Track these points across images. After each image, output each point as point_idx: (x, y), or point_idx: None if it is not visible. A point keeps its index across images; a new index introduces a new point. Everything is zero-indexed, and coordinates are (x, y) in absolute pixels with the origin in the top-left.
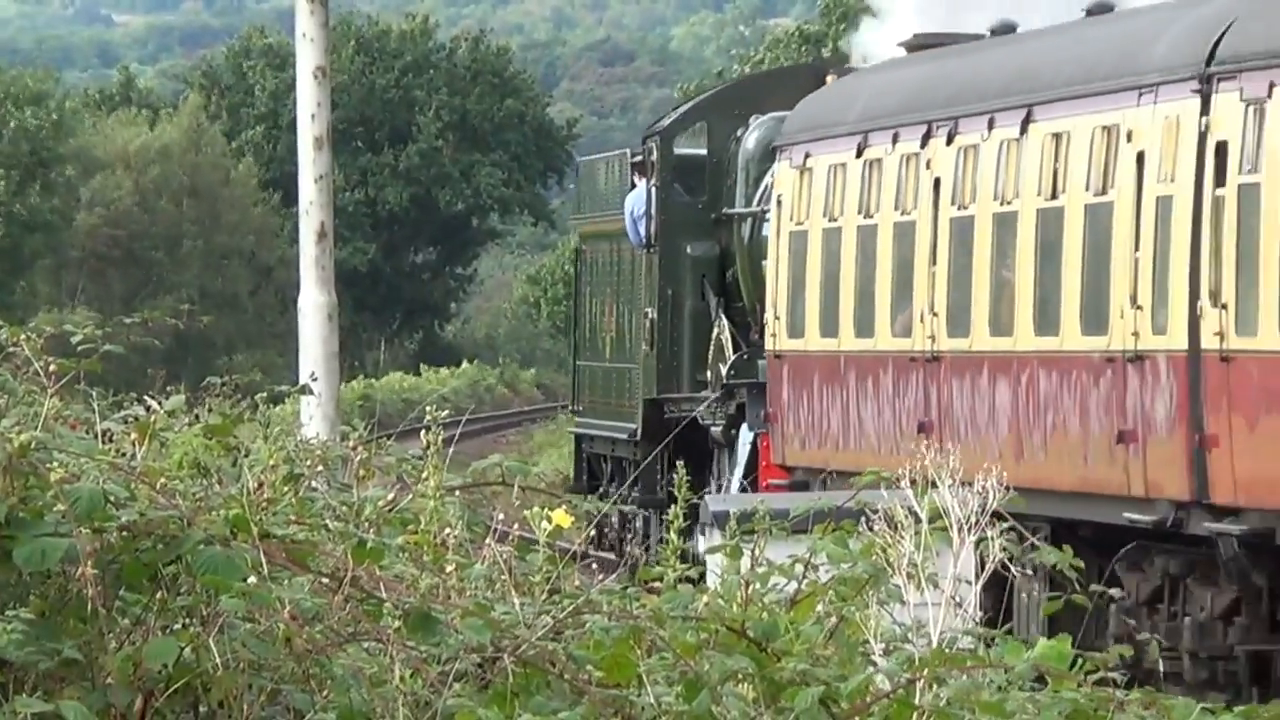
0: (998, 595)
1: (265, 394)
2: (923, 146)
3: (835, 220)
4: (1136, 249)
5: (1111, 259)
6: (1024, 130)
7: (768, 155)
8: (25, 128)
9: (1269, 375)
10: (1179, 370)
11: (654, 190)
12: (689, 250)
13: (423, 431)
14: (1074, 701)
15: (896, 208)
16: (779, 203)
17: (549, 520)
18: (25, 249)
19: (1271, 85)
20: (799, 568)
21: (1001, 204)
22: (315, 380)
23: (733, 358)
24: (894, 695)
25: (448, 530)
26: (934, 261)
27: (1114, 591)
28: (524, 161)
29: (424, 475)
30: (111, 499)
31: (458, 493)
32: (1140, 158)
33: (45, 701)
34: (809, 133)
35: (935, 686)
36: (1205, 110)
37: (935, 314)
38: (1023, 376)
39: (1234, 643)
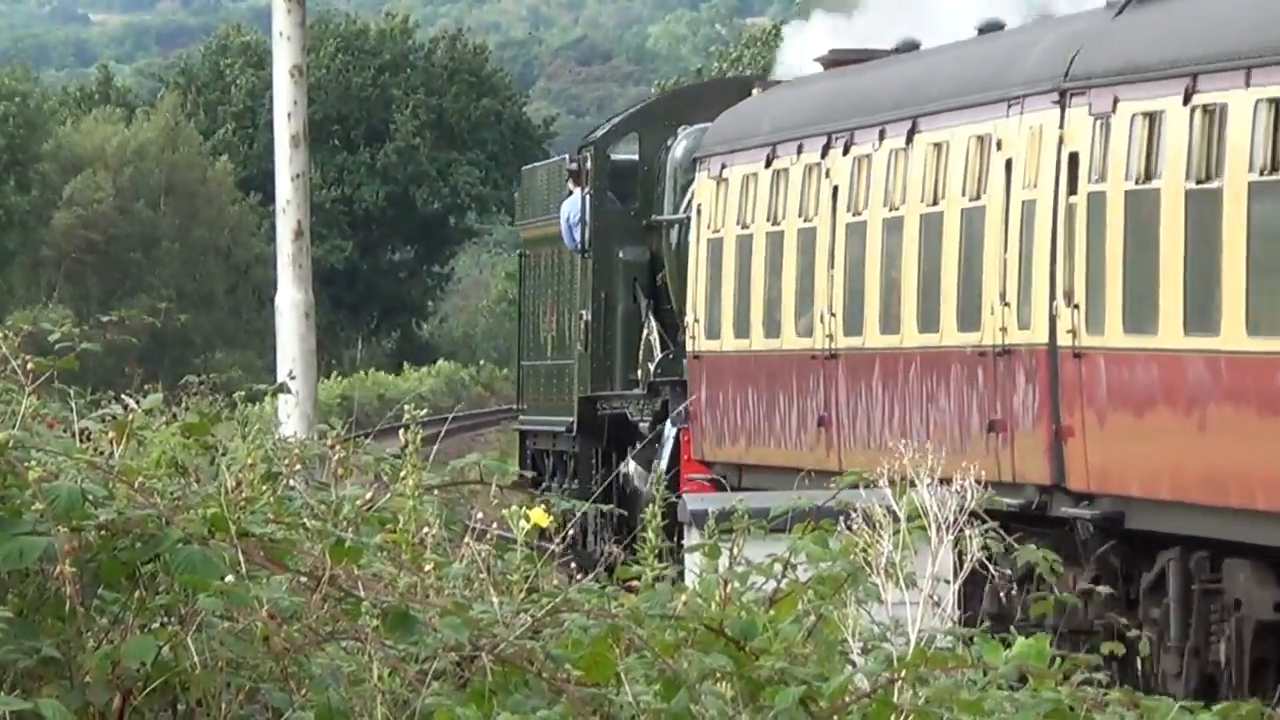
0: (977, 594)
1: (243, 393)
2: (823, 157)
3: (747, 228)
4: (1005, 250)
5: (984, 260)
6: (910, 140)
7: (693, 165)
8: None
9: (1115, 370)
10: (1041, 365)
11: (588, 198)
12: (621, 255)
13: (401, 430)
14: (1054, 700)
15: (800, 215)
16: (698, 211)
17: (527, 519)
18: (2, 246)
19: (1116, 101)
20: (778, 567)
21: (890, 210)
22: (293, 379)
23: (659, 358)
24: (874, 695)
25: (426, 529)
26: (832, 265)
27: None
28: (501, 160)
29: (402, 474)
30: (90, 498)
31: (436, 492)
32: (1009, 165)
33: (24, 700)
34: (725, 145)
35: (916, 687)
36: (1063, 122)
37: (833, 315)
38: (909, 372)
39: (1093, 618)
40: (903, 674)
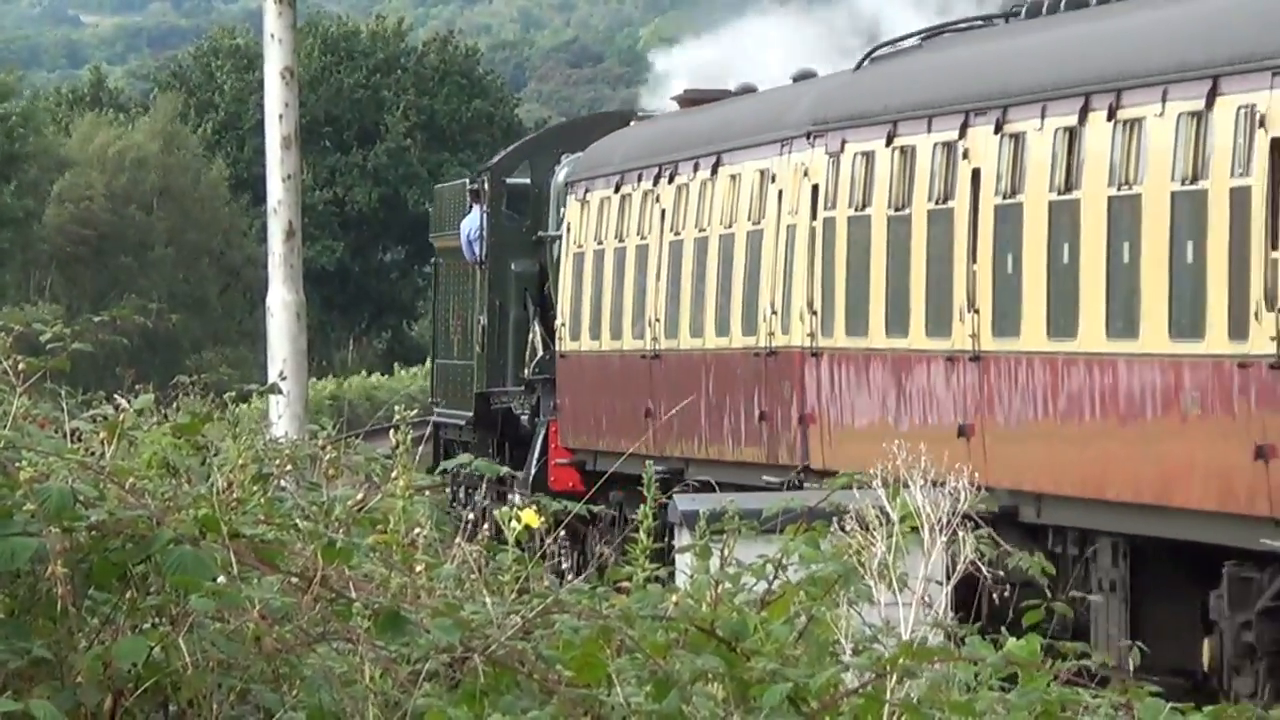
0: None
1: (233, 393)
2: (655, 184)
3: (602, 244)
4: (775, 267)
5: (761, 275)
6: (714, 172)
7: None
8: None
9: (840, 367)
10: (795, 364)
11: (486, 216)
12: (513, 267)
13: (391, 431)
14: (1045, 700)
15: (638, 234)
16: (567, 229)
17: (518, 520)
18: None
19: (844, 142)
20: (769, 568)
21: (700, 231)
22: (284, 379)
23: (538, 358)
24: (863, 691)
25: (417, 530)
26: (659, 278)
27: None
28: None
29: (393, 475)
30: (81, 498)
31: (427, 492)
32: (780, 195)
33: (14, 701)
34: (589, 173)
35: (905, 681)
36: (810, 160)
37: (659, 320)
38: (711, 371)
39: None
40: (892, 669)
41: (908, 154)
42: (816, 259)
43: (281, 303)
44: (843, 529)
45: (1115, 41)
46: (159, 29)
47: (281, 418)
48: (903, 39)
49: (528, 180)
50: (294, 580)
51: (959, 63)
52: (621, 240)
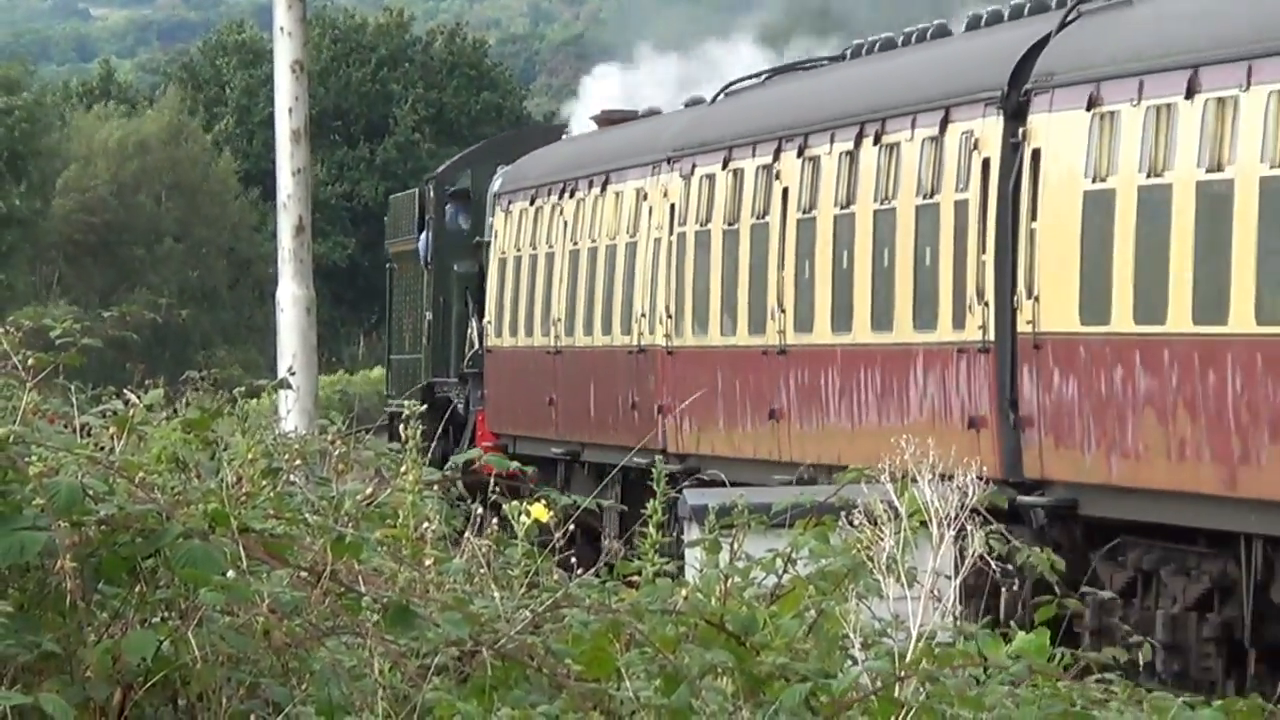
0: (979, 592)
1: (243, 388)
2: (559, 199)
3: (520, 251)
4: (647, 274)
5: (635, 282)
6: (604, 190)
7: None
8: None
9: (686, 363)
10: (656, 360)
11: (430, 222)
12: (456, 268)
13: (401, 426)
14: (1055, 696)
15: (546, 243)
16: (495, 235)
17: (528, 515)
18: (2, 244)
19: (694, 166)
20: (779, 562)
21: (591, 242)
22: (293, 374)
23: (471, 352)
24: (878, 693)
25: (426, 524)
26: (561, 283)
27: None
28: None
29: (402, 469)
30: (90, 493)
31: (436, 487)
32: (650, 211)
33: (24, 694)
34: (512, 185)
35: (924, 685)
36: (670, 181)
37: (560, 320)
38: (600, 366)
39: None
40: (908, 672)
41: (738, 176)
42: (672, 269)
43: (291, 298)
44: (851, 524)
45: (883, 80)
46: (168, 22)
47: (291, 412)
48: (752, 77)
49: (469, 187)
50: (303, 574)
51: (780, 97)
52: (534, 248)
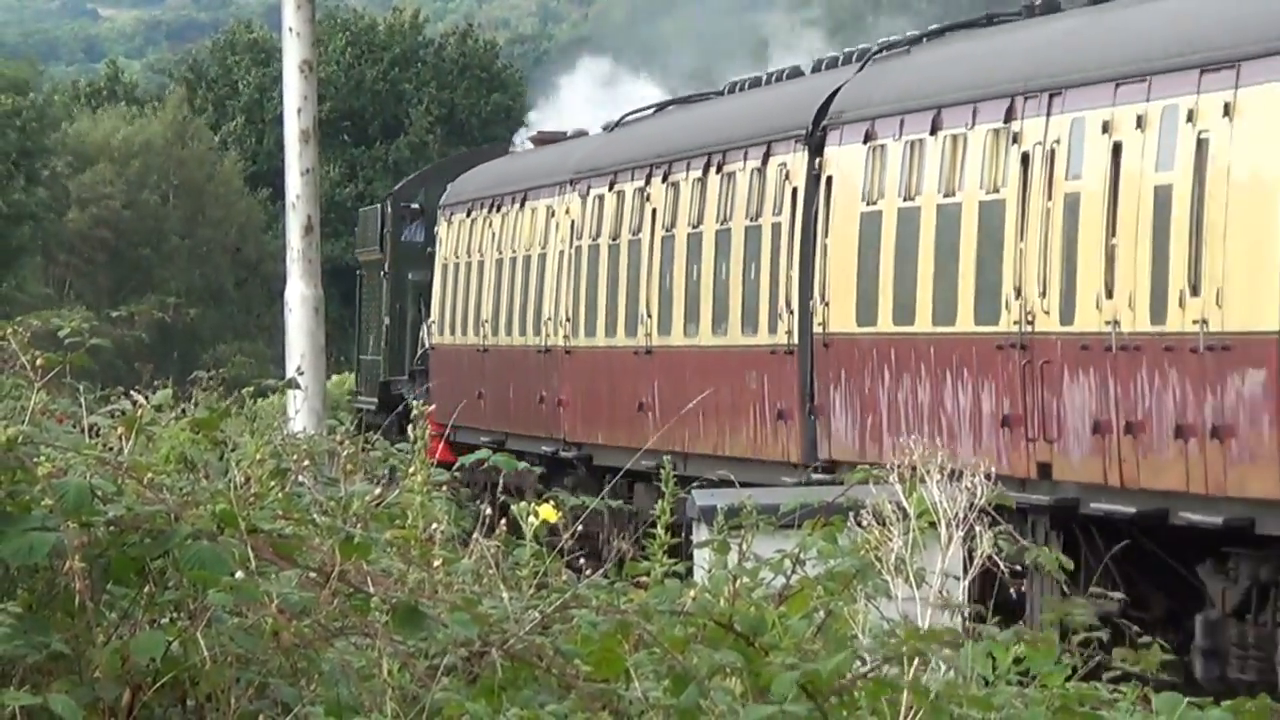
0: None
1: (251, 388)
2: (489, 212)
3: (459, 258)
4: (553, 284)
5: (545, 289)
6: (523, 205)
7: None
8: (6, 115)
9: (581, 361)
10: (556, 359)
11: (387, 235)
12: (410, 276)
13: (409, 426)
14: (1063, 695)
15: (479, 251)
16: (440, 243)
17: (536, 515)
18: (12, 242)
19: (589, 187)
20: (787, 563)
21: (512, 252)
22: (302, 374)
23: (421, 351)
24: (873, 675)
25: (435, 525)
26: (489, 287)
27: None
28: None
29: (411, 470)
30: (98, 493)
31: (445, 487)
32: (557, 226)
33: (33, 695)
34: (454, 199)
35: (915, 663)
36: (571, 200)
37: (487, 322)
38: (518, 364)
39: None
40: (903, 648)
41: (621, 197)
42: (570, 278)
43: (300, 297)
44: (860, 524)
45: (724, 118)
46: (177, 22)
47: (299, 413)
48: (646, 109)
49: (423, 202)
50: (312, 575)
51: (658, 129)
52: (469, 255)
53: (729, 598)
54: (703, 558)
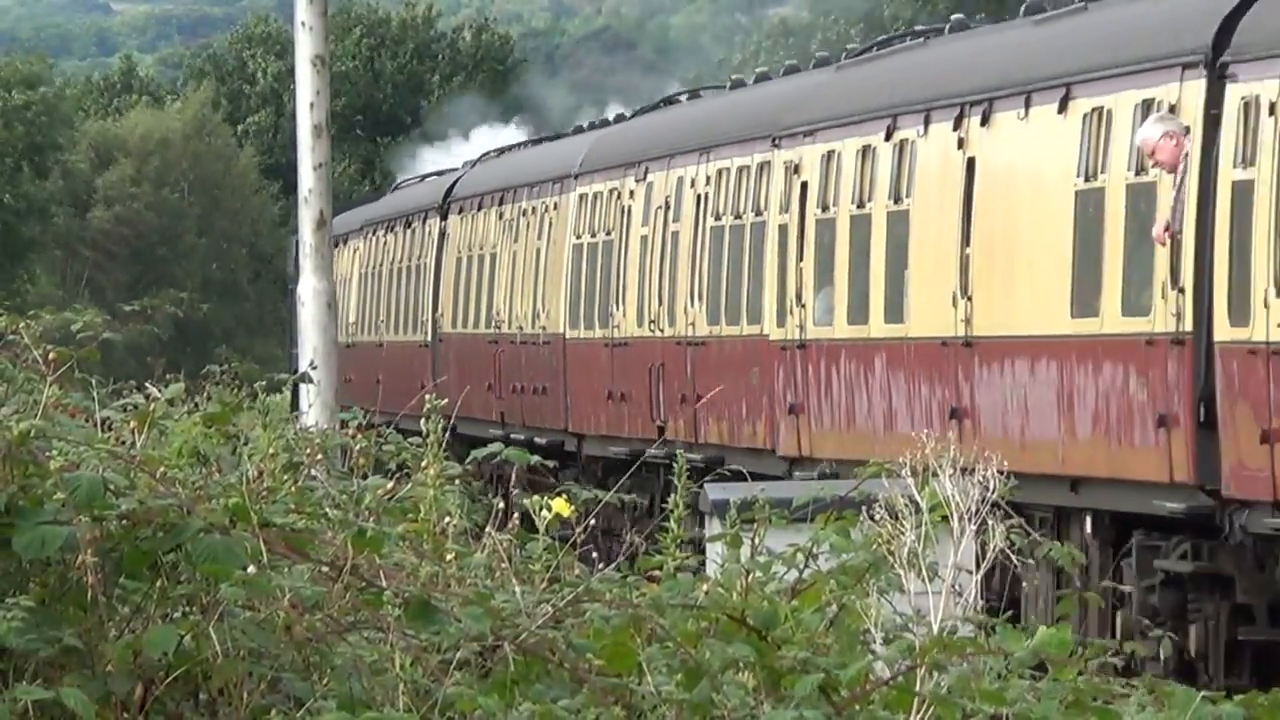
0: (1001, 586)
1: (264, 382)
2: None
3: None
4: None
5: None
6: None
7: None
8: (17, 110)
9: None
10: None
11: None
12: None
13: (422, 420)
14: (1075, 690)
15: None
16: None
17: (549, 509)
18: (22, 235)
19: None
20: (800, 557)
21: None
22: (314, 368)
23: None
24: (893, 683)
25: (447, 519)
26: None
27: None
28: None
29: (423, 463)
30: (111, 487)
31: (457, 481)
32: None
33: (45, 689)
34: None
35: (935, 674)
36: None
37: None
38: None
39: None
40: (923, 660)
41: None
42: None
43: (313, 291)
44: (872, 518)
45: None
46: (189, 16)
47: (312, 407)
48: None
49: None
50: (324, 569)
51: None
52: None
53: (741, 592)
54: (715, 552)
